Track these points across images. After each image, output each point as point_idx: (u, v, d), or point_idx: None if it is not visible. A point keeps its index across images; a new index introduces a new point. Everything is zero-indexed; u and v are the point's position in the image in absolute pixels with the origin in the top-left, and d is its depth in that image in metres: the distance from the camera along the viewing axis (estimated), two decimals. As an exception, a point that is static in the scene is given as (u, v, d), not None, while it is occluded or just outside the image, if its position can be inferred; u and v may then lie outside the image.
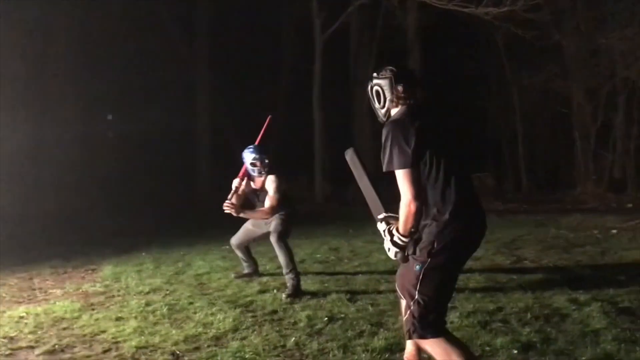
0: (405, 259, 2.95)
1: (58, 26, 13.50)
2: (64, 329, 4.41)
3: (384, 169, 2.86)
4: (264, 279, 5.92)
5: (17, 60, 12.79)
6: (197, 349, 3.88)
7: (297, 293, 5.19)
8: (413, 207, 2.79)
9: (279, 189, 5.48)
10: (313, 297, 5.08)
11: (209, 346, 3.92)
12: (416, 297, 2.83)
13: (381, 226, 3.05)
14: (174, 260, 7.14)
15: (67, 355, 3.82)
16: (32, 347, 4.01)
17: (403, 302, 3.26)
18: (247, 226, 5.87)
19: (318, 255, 7.20)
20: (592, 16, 14.56)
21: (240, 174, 5.63)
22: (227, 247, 7.72)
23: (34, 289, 5.82)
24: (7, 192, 11.51)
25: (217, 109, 15.95)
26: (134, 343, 3.96)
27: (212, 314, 4.64)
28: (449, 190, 2.86)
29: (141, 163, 14.34)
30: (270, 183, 5.51)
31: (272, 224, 5.50)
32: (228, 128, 15.93)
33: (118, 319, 4.61)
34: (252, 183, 5.71)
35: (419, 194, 2.81)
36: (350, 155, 3.36)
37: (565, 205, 13.41)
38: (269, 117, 5.79)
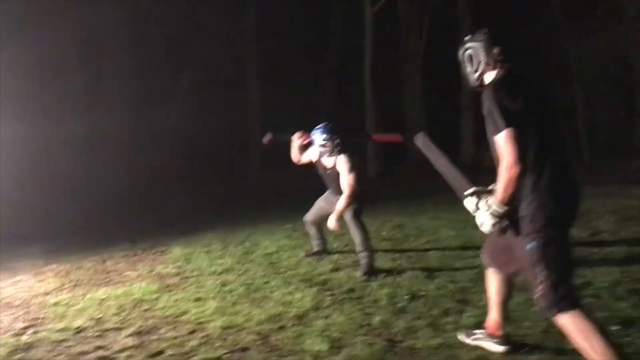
0: (503, 230, 2.85)
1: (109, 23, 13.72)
2: (146, 310, 4.45)
3: (493, 134, 2.73)
4: (335, 257, 5.86)
5: (68, 52, 13.07)
6: (282, 328, 3.84)
7: (372, 271, 5.12)
8: (515, 171, 2.66)
9: (352, 167, 5.32)
10: (389, 275, 4.99)
11: (293, 325, 3.88)
12: (540, 275, 2.74)
13: (471, 200, 2.91)
14: (241, 240, 7.15)
15: (155, 337, 3.84)
16: (119, 329, 4.05)
17: (491, 276, 3.31)
18: (320, 203, 5.80)
19: (383, 233, 7.08)
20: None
21: (304, 139, 5.68)
22: (290, 226, 7.84)
23: (109, 272, 5.92)
24: (76, 176, 11.85)
25: (267, 90, 15.91)
26: (218, 323, 3.96)
27: (289, 293, 4.61)
28: (550, 160, 2.77)
29: (196, 149, 14.50)
30: (343, 163, 5.34)
31: (339, 202, 5.33)
32: (277, 110, 15.91)
33: (197, 299, 4.63)
34: (323, 159, 5.55)
35: (522, 157, 2.66)
36: (421, 140, 3.28)
37: (630, 175, 12.89)
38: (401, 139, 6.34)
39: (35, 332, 4.05)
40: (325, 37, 16.95)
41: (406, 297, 4.31)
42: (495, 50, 2.92)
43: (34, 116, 11.69)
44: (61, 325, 4.15)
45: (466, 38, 3.06)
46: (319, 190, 5.82)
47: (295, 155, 5.80)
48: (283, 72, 15.95)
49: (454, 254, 5.66)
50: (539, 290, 2.76)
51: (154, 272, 5.75)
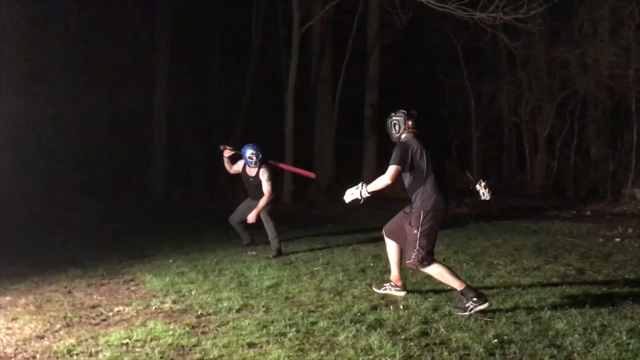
0: (356, 202, 5.05)
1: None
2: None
3: (390, 162, 4.86)
4: (356, 291, 5.39)
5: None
6: (400, 383, 3.33)
7: (280, 254, 7.16)
8: (387, 182, 4.85)
9: (269, 177, 7.31)
10: (452, 317, 4.63)
11: (408, 379, 3.38)
12: (416, 247, 4.80)
13: (358, 185, 5.05)
14: (217, 270, 6.38)
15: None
16: (192, 387, 3.25)
17: (391, 243, 5.32)
18: (242, 207, 7.62)
19: (371, 264, 6.73)
20: (552, 30, 15.17)
21: (229, 152, 7.48)
22: (255, 254, 7.24)
23: (93, 307, 4.88)
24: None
25: (176, 104, 14.75)
26: (318, 377, 3.33)
27: (355, 337, 4.07)
28: (432, 182, 4.87)
29: (94, 159, 12.99)
30: (263, 173, 7.30)
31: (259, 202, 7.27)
32: (185, 127, 14.88)
33: (251, 345, 3.92)
34: (247, 169, 7.43)
35: (393, 180, 4.82)
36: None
37: (529, 211, 13.81)
38: (313, 176, 9.10)
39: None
40: (246, 54, 16.16)
41: (494, 341, 3.99)
42: (410, 122, 4.98)
43: None
44: (112, 383, 3.23)
45: (392, 114, 5.08)
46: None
47: (227, 166, 7.60)
48: (196, 86, 14.94)
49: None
50: (414, 256, 4.81)
51: (154, 308, 4.83)
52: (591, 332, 4.17)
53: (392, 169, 4.82)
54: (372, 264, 6.72)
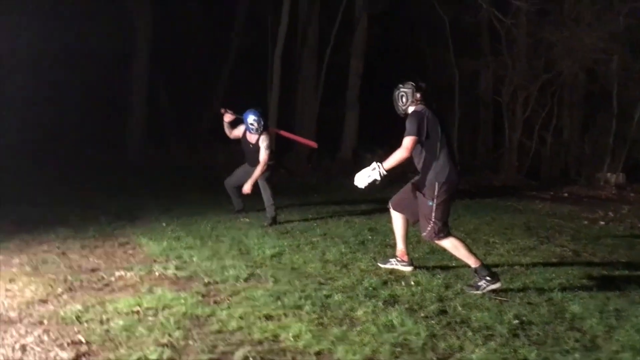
0: (370, 186, 4.74)
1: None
2: (218, 331, 3.49)
3: (405, 134, 4.64)
4: (363, 266, 5.28)
5: None
6: (434, 364, 3.22)
7: (275, 222, 7.04)
8: (404, 155, 4.64)
9: (269, 145, 7.09)
10: (457, 293, 4.56)
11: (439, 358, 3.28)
12: (432, 219, 4.67)
13: (372, 165, 4.72)
14: (214, 236, 6.19)
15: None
16: (216, 360, 3.09)
17: (397, 216, 5.15)
18: (239, 172, 7.42)
19: (369, 237, 6.62)
20: (538, 10, 15.08)
21: (230, 117, 7.23)
22: (247, 220, 7.11)
23: (93, 270, 4.65)
24: None
25: (156, 63, 14.18)
26: (348, 357, 3.20)
27: (374, 313, 3.95)
28: (446, 153, 4.72)
29: (71, 128, 12.46)
30: (263, 141, 7.06)
31: (255, 171, 7.02)
32: (164, 86, 14.37)
33: (268, 317, 3.77)
34: (247, 136, 7.20)
35: (410, 152, 4.65)
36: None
37: (508, 190, 13.92)
38: (316, 145, 8.49)
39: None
40: (229, 18, 15.58)
41: (515, 321, 3.94)
42: (418, 95, 4.83)
43: None
44: (133, 356, 3.04)
45: (400, 85, 4.90)
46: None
47: (227, 130, 7.35)
48: (177, 44, 14.39)
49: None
50: (429, 228, 4.68)
51: (157, 274, 4.63)
52: (608, 316, 4.15)
53: (408, 140, 4.61)
54: (370, 237, 6.59)
